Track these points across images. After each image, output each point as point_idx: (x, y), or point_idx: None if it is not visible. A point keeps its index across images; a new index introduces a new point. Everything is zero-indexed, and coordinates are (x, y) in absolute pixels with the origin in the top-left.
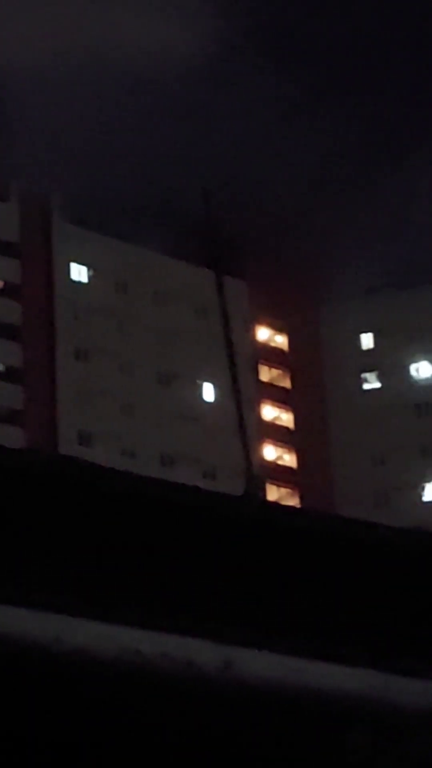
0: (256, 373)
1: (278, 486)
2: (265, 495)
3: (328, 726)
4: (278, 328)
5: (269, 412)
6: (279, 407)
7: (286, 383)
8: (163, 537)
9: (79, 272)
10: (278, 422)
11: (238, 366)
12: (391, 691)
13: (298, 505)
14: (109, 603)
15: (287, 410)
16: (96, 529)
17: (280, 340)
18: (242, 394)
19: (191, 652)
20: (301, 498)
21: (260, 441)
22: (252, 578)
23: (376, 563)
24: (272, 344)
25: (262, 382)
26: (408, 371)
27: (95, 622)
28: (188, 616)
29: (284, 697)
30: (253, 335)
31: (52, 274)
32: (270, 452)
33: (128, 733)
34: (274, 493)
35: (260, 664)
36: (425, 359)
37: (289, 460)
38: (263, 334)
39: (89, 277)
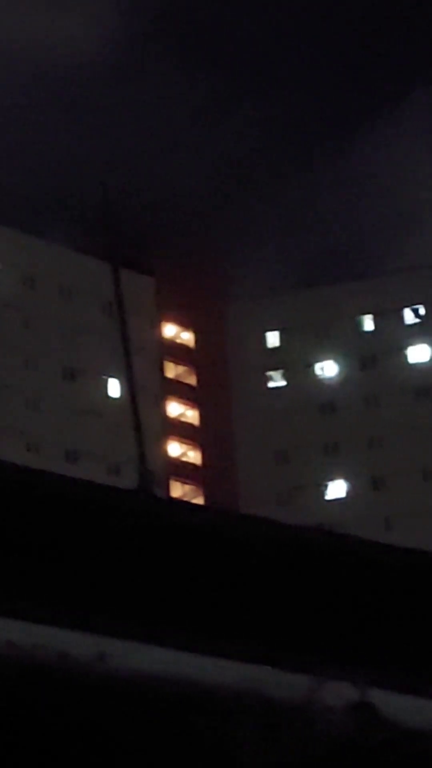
0: (162, 369)
1: (182, 483)
2: (164, 489)
3: (205, 719)
4: (185, 325)
5: (175, 408)
6: (184, 404)
7: (192, 380)
8: (48, 529)
9: None
10: (183, 419)
11: (132, 358)
12: (267, 685)
13: (202, 502)
14: None
15: (193, 407)
16: None
17: (187, 337)
18: (136, 387)
19: (65, 644)
20: (206, 495)
21: (165, 437)
22: (133, 570)
23: (266, 559)
24: (178, 341)
25: (168, 379)
26: (313, 370)
27: None
28: (62, 606)
29: (160, 691)
30: (160, 332)
31: None
32: (175, 449)
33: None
34: (178, 490)
35: (136, 657)
36: (330, 358)
37: (193, 457)
38: (170, 330)
39: None
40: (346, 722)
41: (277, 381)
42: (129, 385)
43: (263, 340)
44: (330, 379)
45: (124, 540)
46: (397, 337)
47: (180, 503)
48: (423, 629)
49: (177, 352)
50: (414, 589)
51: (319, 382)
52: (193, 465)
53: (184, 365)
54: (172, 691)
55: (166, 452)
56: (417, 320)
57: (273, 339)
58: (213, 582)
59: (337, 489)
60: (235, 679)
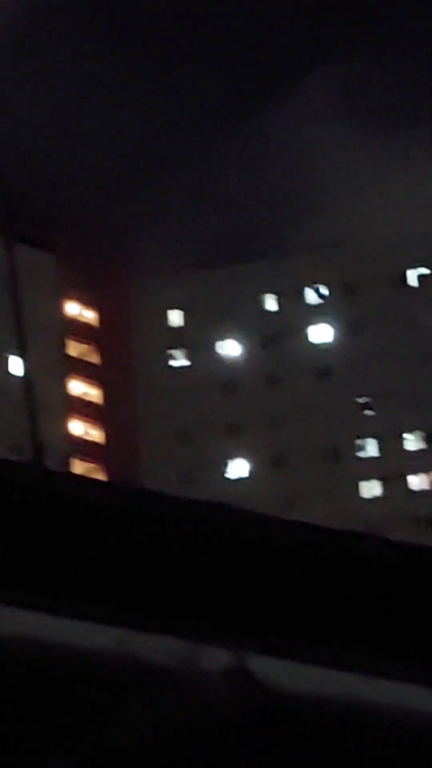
0: (65, 347)
1: (84, 461)
2: (65, 467)
3: (79, 684)
4: (88, 303)
5: (77, 387)
6: (87, 382)
7: (95, 359)
8: None
9: None
10: (86, 397)
11: (25, 334)
12: (143, 650)
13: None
14: None
15: (95, 385)
16: None
17: (90, 315)
18: (36, 364)
19: None
20: (107, 474)
21: (68, 416)
22: (14, 538)
23: (150, 527)
24: (81, 319)
25: (71, 357)
26: (215, 349)
27: None
28: None
29: (23, 655)
30: (62, 310)
31: None
32: (77, 427)
33: None
34: (79, 468)
35: (10, 622)
36: (232, 337)
37: (96, 435)
38: (72, 308)
39: None
40: (222, 687)
41: (179, 360)
42: (21, 359)
43: (166, 318)
44: (232, 358)
45: (11, 513)
46: (299, 317)
47: (70, 476)
48: (300, 595)
49: (80, 330)
50: (296, 561)
51: (221, 362)
52: (96, 443)
53: (87, 343)
54: (45, 656)
55: (68, 431)
56: (319, 300)
57: (176, 318)
58: (92, 547)
59: (238, 468)
60: (111, 643)
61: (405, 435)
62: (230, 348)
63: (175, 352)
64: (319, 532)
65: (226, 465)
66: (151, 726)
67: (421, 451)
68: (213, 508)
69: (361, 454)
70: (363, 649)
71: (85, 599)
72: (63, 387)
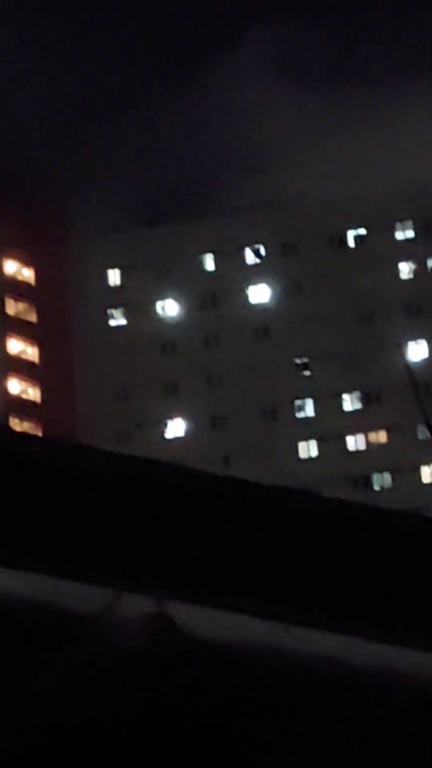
0: (2, 306)
1: (21, 420)
2: (2, 423)
3: None
4: (25, 262)
5: (14, 345)
6: (25, 341)
7: (33, 317)
8: None
9: None
10: (23, 356)
11: None
12: (62, 597)
13: None
14: None
15: (33, 344)
16: None
17: (28, 274)
18: None
19: None
20: (45, 432)
21: (4, 375)
22: None
23: (80, 477)
24: (19, 277)
25: (8, 316)
26: (154, 309)
27: None
28: None
29: None
30: (0, 268)
31: None
32: (14, 386)
33: None
34: (16, 427)
35: None
36: (171, 297)
37: (33, 394)
38: (10, 267)
39: None
40: (142, 634)
41: (118, 319)
42: None
43: (104, 278)
44: (171, 318)
45: None
46: (238, 276)
47: (6, 431)
48: (219, 541)
49: (18, 288)
50: (222, 510)
51: (160, 321)
52: (33, 402)
53: (25, 302)
54: None
55: (5, 389)
56: (258, 260)
57: (114, 277)
58: (16, 497)
59: (176, 428)
60: (29, 591)
61: (343, 395)
62: (169, 307)
63: (113, 312)
64: (250, 485)
65: (164, 424)
66: (69, 674)
67: (358, 411)
68: (144, 460)
69: (299, 415)
70: (288, 600)
71: (4, 547)
72: (0, 346)
